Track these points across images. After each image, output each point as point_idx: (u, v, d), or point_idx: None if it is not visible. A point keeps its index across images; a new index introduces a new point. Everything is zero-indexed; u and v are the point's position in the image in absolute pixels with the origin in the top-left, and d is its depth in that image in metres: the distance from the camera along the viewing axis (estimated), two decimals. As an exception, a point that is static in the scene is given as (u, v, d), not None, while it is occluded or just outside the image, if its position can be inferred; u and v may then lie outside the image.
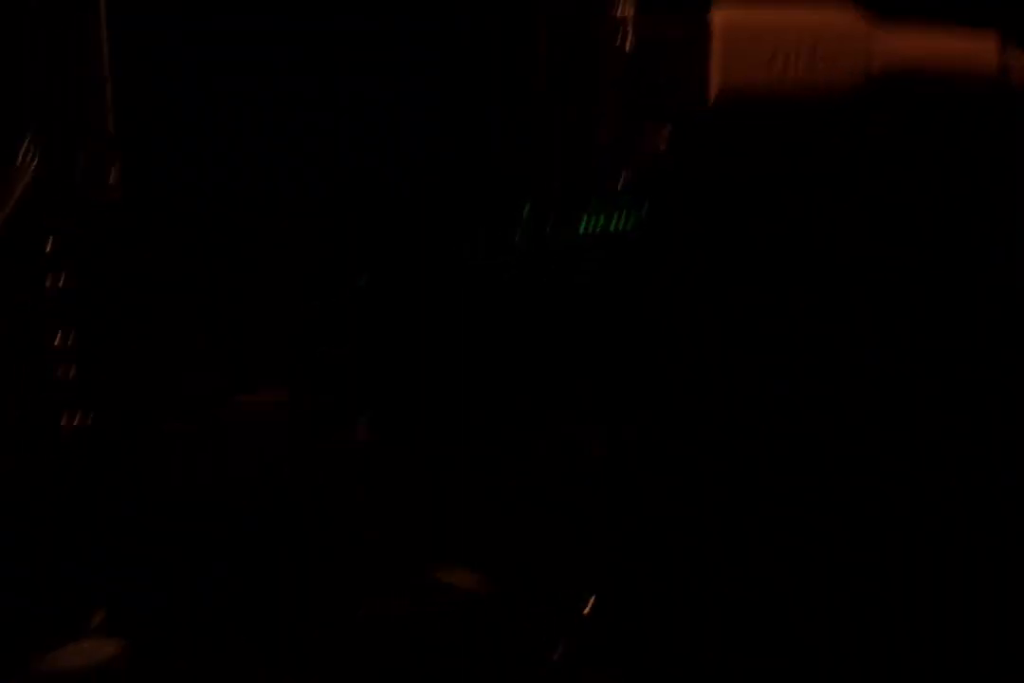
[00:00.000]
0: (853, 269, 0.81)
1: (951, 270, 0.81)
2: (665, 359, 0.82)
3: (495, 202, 0.84)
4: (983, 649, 0.77)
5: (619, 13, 0.77)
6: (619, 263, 0.83)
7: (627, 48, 0.77)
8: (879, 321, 0.81)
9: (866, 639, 0.78)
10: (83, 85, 0.79)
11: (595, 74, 0.79)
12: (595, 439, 0.83)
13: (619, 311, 0.83)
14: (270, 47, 0.81)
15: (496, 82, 0.83)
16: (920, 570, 0.78)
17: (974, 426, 0.79)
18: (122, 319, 0.81)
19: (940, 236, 0.81)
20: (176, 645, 0.79)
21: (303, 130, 0.82)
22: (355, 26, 0.81)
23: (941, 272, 0.81)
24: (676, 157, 0.78)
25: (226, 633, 0.80)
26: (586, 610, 0.80)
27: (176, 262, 0.82)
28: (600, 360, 0.84)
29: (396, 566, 0.83)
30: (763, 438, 0.79)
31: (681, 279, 0.80)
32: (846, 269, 0.81)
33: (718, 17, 0.76)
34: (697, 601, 0.79)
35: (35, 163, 0.78)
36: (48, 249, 0.79)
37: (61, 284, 0.79)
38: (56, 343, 0.80)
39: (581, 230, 0.83)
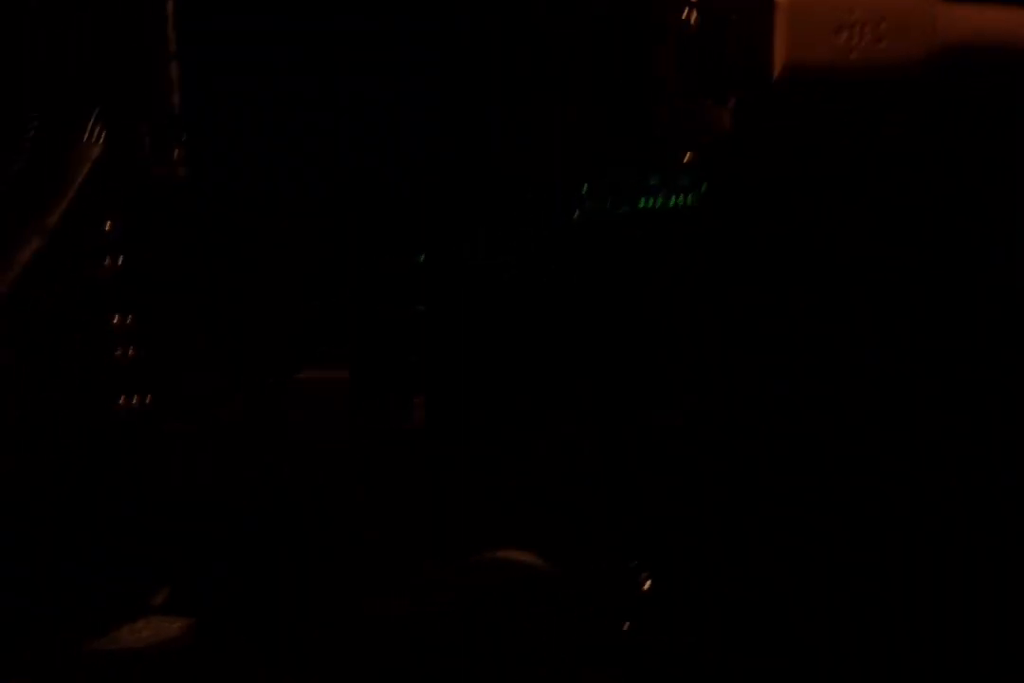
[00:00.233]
0: (872, 263, 0.80)
1: (971, 265, 0.80)
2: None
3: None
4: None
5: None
6: (678, 239, 0.80)
7: (692, 24, 0.75)
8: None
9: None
10: (149, 62, 0.78)
11: (659, 51, 0.77)
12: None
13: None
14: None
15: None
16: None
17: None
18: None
19: (976, 224, 0.79)
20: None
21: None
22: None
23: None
24: (739, 135, 0.75)
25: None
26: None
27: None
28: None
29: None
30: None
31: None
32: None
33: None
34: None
35: (102, 141, 0.77)
36: (108, 229, 0.79)
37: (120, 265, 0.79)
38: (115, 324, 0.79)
39: (640, 206, 0.81)
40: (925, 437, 0.79)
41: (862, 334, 0.79)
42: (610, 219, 0.81)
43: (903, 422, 0.79)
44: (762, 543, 0.78)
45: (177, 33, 0.80)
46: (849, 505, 0.78)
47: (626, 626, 0.78)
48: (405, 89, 0.82)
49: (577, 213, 0.82)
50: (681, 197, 0.80)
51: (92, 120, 0.77)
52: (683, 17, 0.74)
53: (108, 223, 0.79)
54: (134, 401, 0.79)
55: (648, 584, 0.79)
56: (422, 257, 0.84)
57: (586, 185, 0.82)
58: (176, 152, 0.79)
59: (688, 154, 0.77)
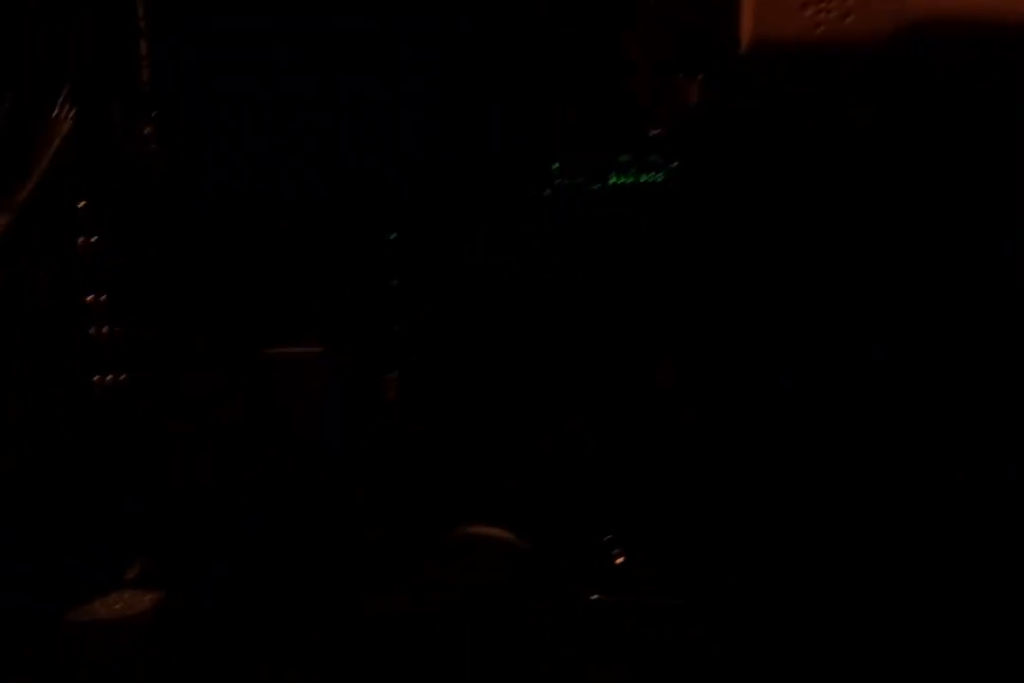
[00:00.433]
0: (869, 254, 0.80)
1: (975, 256, 0.80)
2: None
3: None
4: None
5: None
6: (648, 216, 0.81)
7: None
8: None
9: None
10: (118, 38, 0.78)
11: (628, 27, 0.77)
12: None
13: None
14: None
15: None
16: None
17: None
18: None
19: (962, 215, 0.80)
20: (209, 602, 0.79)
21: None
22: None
23: (964, 258, 0.80)
24: (707, 110, 0.76)
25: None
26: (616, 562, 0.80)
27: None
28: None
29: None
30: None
31: (691, 262, 0.79)
32: (865, 253, 0.80)
33: (748, -35, 0.75)
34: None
35: (72, 115, 0.77)
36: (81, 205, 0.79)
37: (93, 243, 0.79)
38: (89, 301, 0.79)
39: (611, 183, 0.82)
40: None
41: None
42: (581, 197, 0.82)
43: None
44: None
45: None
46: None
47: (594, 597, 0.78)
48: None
49: (548, 191, 0.82)
50: (652, 174, 0.81)
51: (61, 97, 0.77)
52: None
53: (82, 201, 0.78)
54: (108, 379, 0.79)
55: (621, 560, 0.79)
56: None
57: (557, 164, 0.82)
58: (146, 129, 0.79)
59: (658, 131, 0.78)
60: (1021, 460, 0.77)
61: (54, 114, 0.77)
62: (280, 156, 0.83)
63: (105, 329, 0.79)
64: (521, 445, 0.84)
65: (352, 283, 0.83)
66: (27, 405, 0.76)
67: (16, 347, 0.76)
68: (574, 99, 0.82)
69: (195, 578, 0.82)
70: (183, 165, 0.81)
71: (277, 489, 0.83)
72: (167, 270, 0.81)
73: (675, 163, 0.79)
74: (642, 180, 0.81)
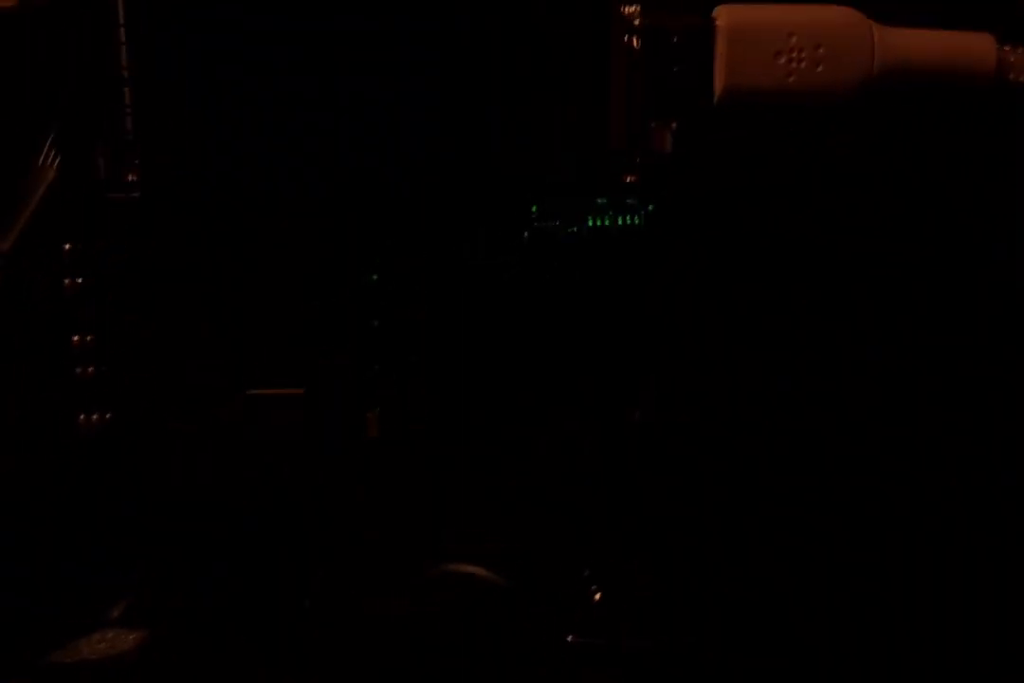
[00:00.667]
0: (855, 266, 0.81)
1: (951, 266, 0.81)
2: (666, 356, 0.82)
3: (495, 202, 0.84)
4: (983, 649, 0.77)
5: (625, 12, 0.78)
6: (624, 258, 0.83)
7: (634, 47, 0.77)
8: (880, 318, 0.81)
9: (866, 639, 0.78)
10: (102, 87, 0.79)
11: (605, 73, 0.79)
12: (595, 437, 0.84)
13: (620, 309, 0.83)
14: (271, 47, 0.81)
15: (496, 82, 0.83)
16: (920, 570, 0.78)
17: (975, 424, 0.79)
18: (136, 317, 0.81)
19: (940, 231, 0.81)
20: (184, 640, 0.79)
21: (303, 130, 0.82)
22: (355, 26, 0.81)
23: (942, 269, 0.81)
24: (682, 155, 0.78)
25: (226, 633, 0.80)
26: (591, 602, 0.80)
27: (176, 262, 0.82)
28: (601, 358, 0.84)
29: (396, 566, 0.83)
30: (764, 435, 0.79)
31: (683, 277, 0.80)
32: (848, 266, 0.81)
33: (723, 15, 0.76)
34: (697, 601, 0.79)
35: (56, 163, 0.79)
36: (67, 248, 0.80)
37: (80, 283, 0.80)
38: (73, 345, 0.81)
39: (588, 226, 0.83)
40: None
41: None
42: (559, 239, 0.83)
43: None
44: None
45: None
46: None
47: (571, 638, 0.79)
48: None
49: (527, 234, 0.83)
50: (629, 217, 0.82)
51: (47, 144, 0.78)
52: (626, 41, 0.76)
53: (67, 245, 0.81)
54: (94, 418, 0.81)
55: (599, 596, 0.80)
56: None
57: (535, 206, 0.83)
58: (131, 176, 0.80)
59: (633, 175, 0.80)
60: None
61: (39, 161, 0.78)
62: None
63: (91, 369, 0.80)
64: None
65: (334, 324, 0.84)
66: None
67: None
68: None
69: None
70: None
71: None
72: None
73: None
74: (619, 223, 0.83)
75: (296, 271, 0.83)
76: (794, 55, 0.75)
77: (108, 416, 0.81)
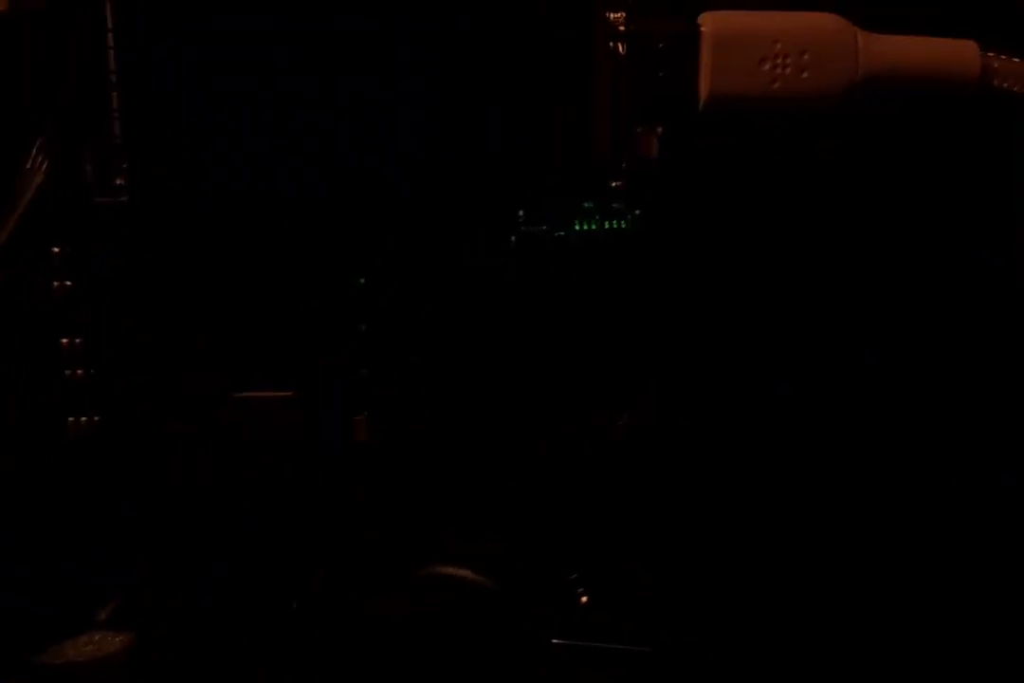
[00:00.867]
0: (841, 269, 0.81)
1: (939, 268, 0.82)
2: (665, 359, 0.82)
3: (495, 202, 0.84)
4: (983, 649, 0.77)
5: (611, 17, 0.78)
6: (614, 262, 0.83)
7: (619, 52, 0.77)
8: (878, 321, 0.81)
9: (866, 639, 0.78)
10: (90, 91, 0.80)
11: (590, 78, 0.80)
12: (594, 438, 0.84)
13: (618, 312, 0.83)
14: (270, 47, 0.81)
15: (496, 82, 0.83)
16: (920, 570, 0.78)
17: (974, 426, 0.79)
18: (126, 320, 0.82)
19: (926, 234, 0.82)
20: (182, 640, 0.79)
21: (303, 130, 0.82)
22: (355, 26, 0.81)
23: (930, 270, 0.82)
24: (669, 160, 0.78)
25: (226, 633, 0.80)
26: (581, 602, 0.80)
27: (176, 262, 0.82)
28: (600, 359, 0.84)
29: (396, 566, 0.83)
30: (763, 438, 0.79)
31: (679, 281, 0.80)
32: (841, 270, 0.81)
33: (708, 22, 0.77)
34: (698, 601, 0.79)
35: (45, 167, 0.79)
36: (56, 252, 0.81)
37: (69, 285, 0.80)
38: (63, 348, 0.81)
39: (575, 230, 0.84)
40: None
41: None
42: (546, 242, 0.83)
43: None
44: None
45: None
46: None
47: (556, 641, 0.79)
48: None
49: (514, 239, 0.83)
50: (615, 221, 0.82)
51: (35, 149, 0.79)
52: (612, 47, 0.77)
53: (56, 249, 0.81)
54: (83, 420, 0.81)
55: (585, 599, 0.80)
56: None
57: (522, 211, 0.83)
58: (118, 181, 0.80)
59: (620, 180, 0.80)
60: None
61: (28, 165, 0.78)
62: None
63: (80, 371, 0.81)
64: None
65: (320, 319, 0.84)
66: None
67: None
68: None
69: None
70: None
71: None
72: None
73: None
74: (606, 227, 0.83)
75: (292, 272, 0.83)
76: (779, 61, 0.76)
77: (96, 419, 0.81)
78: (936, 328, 0.81)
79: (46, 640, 0.78)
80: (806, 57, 0.76)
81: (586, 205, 0.84)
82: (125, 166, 0.81)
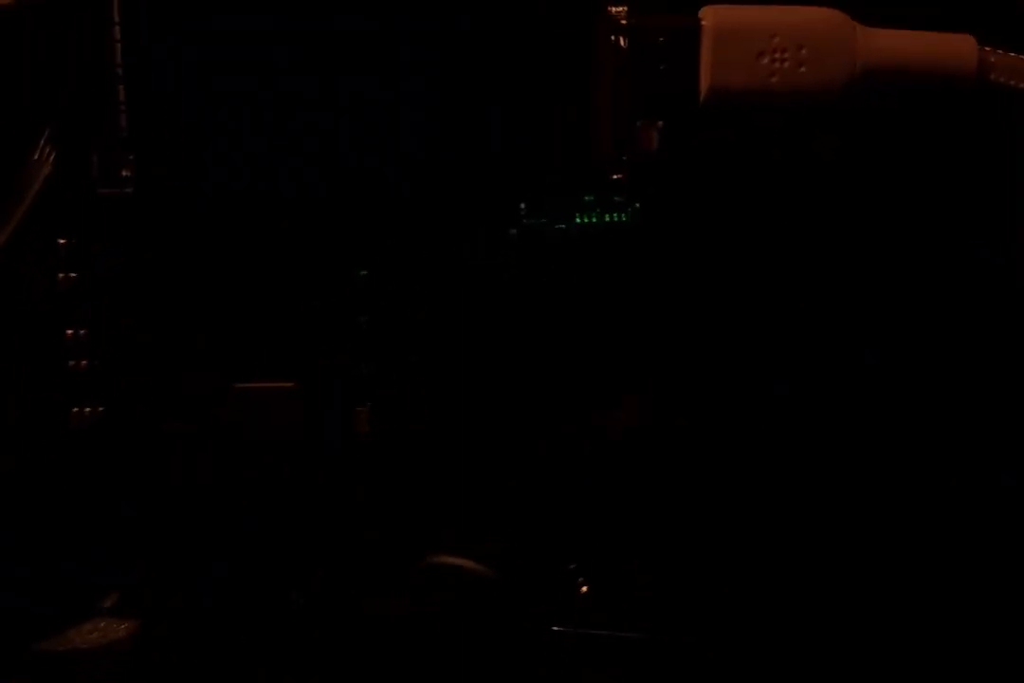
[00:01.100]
0: (840, 265, 0.81)
1: (939, 265, 0.82)
2: (665, 358, 0.82)
3: (495, 202, 0.84)
4: (983, 649, 0.77)
5: (613, 11, 0.78)
6: (613, 259, 0.83)
7: (621, 46, 0.78)
8: (878, 321, 0.81)
9: (866, 639, 0.78)
10: (96, 84, 0.80)
11: (591, 73, 0.80)
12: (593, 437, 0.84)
13: (618, 311, 0.83)
14: (270, 47, 0.81)
15: (496, 82, 0.83)
16: (920, 570, 0.78)
17: (974, 426, 0.79)
18: (131, 312, 0.82)
19: (925, 230, 0.82)
20: (181, 640, 0.80)
21: (303, 130, 0.82)
22: (355, 26, 0.81)
23: (929, 267, 0.82)
24: (668, 155, 0.79)
25: (226, 633, 0.80)
26: (581, 591, 0.80)
27: (176, 261, 0.82)
28: (600, 359, 0.84)
29: (396, 566, 0.83)
30: (763, 437, 0.79)
31: (677, 277, 0.80)
32: (841, 268, 0.81)
33: (708, 16, 0.77)
34: (697, 601, 0.79)
35: (51, 159, 0.79)
36: (62, 243, 0.81)
37: (73, 280, 0.81)
38: (67, 339, 0.81)
39: (576, 224, 0.84)
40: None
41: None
42: (547, 236, 0.84)
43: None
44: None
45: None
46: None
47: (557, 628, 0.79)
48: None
49: (514, 231, 0.83)
50: (616, 215, 0.82)
51: (42, 141, 0.79)
52: (614, 41, 0.77)
53: (62, 240, 0.81)
54: (87, 411, 0.81)
55: (585, 589, 0.80)
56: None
57: (523, 204, 0.83)
58: (124, 173, 0.81)
59: (621, 174, 0.80)
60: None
61: (35, 157, 0.79)
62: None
63: (84, 362, 0.81)
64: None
65: (321, 317, 0.84)
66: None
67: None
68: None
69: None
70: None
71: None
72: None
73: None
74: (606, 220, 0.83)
75: (293, 269, 0.83)
76: (777, 56, 0.76)
77: (100, 410, 0.82)
78: (935, 327, 0.81)
79: (50, 628, 0.78)
80: (804, 52, 0.76)
81: (587, 198, 0.84)
82: (131, 158, 0.81)
